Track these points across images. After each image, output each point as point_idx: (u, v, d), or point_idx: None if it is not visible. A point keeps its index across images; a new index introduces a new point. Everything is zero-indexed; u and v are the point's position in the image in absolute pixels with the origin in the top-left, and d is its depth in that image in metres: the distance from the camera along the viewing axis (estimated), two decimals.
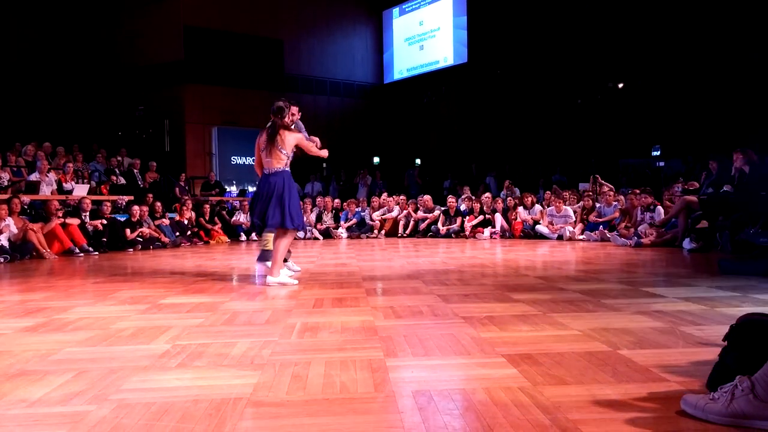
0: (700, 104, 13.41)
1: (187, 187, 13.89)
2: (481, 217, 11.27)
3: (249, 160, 17.02)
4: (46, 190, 10.01)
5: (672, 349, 2.40)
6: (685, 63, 13.70)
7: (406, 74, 20.85)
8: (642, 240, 8.33)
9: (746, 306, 3.32)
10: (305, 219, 12.08)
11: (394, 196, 12.96)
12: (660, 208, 8.90)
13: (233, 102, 17.42)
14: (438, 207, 12.23)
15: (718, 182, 8.29)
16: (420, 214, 12.20)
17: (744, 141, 8.42)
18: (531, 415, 1.67)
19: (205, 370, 2.23)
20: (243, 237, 11.73)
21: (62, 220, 8.57)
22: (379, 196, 13.13)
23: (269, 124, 4.79)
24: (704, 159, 9.88)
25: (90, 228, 9.04)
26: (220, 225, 11.67)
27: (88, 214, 9.25)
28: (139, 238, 9.50)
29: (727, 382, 1.64)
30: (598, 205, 10.17)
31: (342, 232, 12.12)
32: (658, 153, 14.84)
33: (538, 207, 10.95)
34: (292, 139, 4.75)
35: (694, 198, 8.18)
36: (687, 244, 7.65)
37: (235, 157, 17.55)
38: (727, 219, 7.25)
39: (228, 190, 15.21)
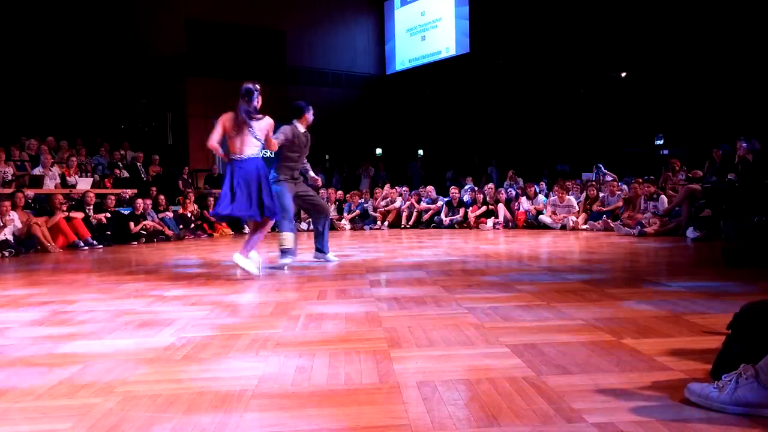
0: (703, 93, 13.34)
1: (190, 180, 13.90)
2: (484, 208, 11.25)
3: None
4: (49, 184, 10.03)
5: (676, 338, 2.40)
6: (688, 51, 13.61)
7: (408, 65, 20.76)
8: (645, 229, 8.32)
9: (750, 294, 3.31)
10: None
11: (396, 188, 12.95)
12: (663, 197, 8.87)
13: (235, 94, 17.33)
14: (441, 198, 12.23)
15: (722, 170, 8.27)
16: (423, 205, 12.19)
17: (747, 129, 8.38)
18: (535, 405, 1.68)
19: (210, 362, 2.24)
20: (246, 229, 11.74)
21: (66, 213, 8.59)
22: (382, 187, 13.13)
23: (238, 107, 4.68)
24: (707, 147, 9.85)
25: (94, 221, 9.06)
26: None
27: (92, 207, 9.27)
28: (143, 231, 9.52)
29: (731, 371, 1.64)
30: (601, 194, 10.15)
31: (345, 223, 12.13)
32: (662, 142, 14.79)
33: (541, 197, 10.93)
34: (264, 125, 4.66)
35: (697, 186, 8.16)
36: (690, 232, 7.63)
37: None
38: (730, 207, 7.22)
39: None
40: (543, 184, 11.45)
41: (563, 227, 10.05)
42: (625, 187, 10.06)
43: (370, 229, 12.02)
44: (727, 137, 8.70)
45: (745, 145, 7.54)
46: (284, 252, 5.37)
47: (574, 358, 2.13)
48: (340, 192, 13.08)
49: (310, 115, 5.53)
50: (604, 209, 9.79)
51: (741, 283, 3.80)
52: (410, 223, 12.05)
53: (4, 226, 7.63)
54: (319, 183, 5.70)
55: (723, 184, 7.53)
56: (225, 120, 4.66)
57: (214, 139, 4.62)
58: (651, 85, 14.54)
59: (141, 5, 17.14)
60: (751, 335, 1.79)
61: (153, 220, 9.87)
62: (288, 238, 5.35)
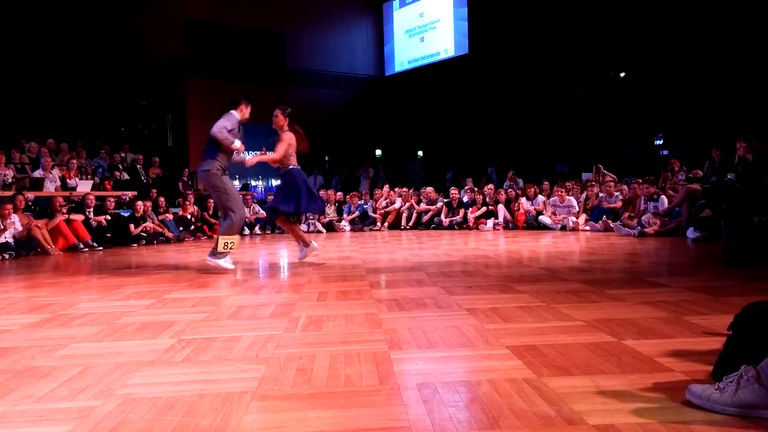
0: (702, 93, 13.35)
1: (190, 182, 13.90)
2: (484, 209, 11.25)
3: (251, 154, 17.03)
4: (50, 187, 10.03)
5: (676, 339, 2.40)
6: (687, 51, 13.63)
7: (407, 66, 20.79)
8: (645, 229, 8.31)
9: (751, 295, 3.31)
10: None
11: (396, 189, 12.95)
12: (663, 198, 8.87)
13: (234, 96, 17.38)
14: (441, 199, 12.22)
15: (722, 170, 8.27)
16: (423, 206, 12.19)
17: (747, 129, 8.38)
18: (536, 407, 1.68)
19: (210, 364, 2.24)
20: (246, 231, 11.74)
21: (66, 216, 8.59)
22: (381, 188, 13.15)
23: (290, 126, 5.74)
24: (707, 147, 9.85)
25: (94, 224, 9.06)
26: None
27: (92, 209, 9.27)
28: (143, 234, 9.52)
29: (732, 372, 1.64)
30: (601, 194, 10.16)
31: (345, 224, 12.13)
32: (661, 142, 14.80)
33: (541, 198, 10.92)
34: None
35: (697, 186, 8.15)
36: (691, 233, 7.63)
37: None
38: (731, 207, 7.22)
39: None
40: (547, 184, 11.42)
41: (563, 228, 10.04)
42: (625, 187, 10.05)
43: (370, 230, 12.01)
44: (727, 137, 8.69)
45: (745, 145, 7.55)
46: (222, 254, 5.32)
47: (575, 360, 2.13)
48: (339, 193, 13.08)
49: (246, 109, 5.57)
50: (604, 204, 9.79)
51: (742, 284, 3.79)
52: (410, 224, 12.05)
53: (5, 228, 7.64)
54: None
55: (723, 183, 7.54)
56: (292, 139, 5.67)
57: (281, 154, 5.63)
58: (650, 86, 14.55)
59: (140, 7, 17.16)
60: (752, 336, 1.78)
61: (153, 223, 9.87)
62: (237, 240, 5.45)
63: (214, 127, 5.30)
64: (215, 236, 6.02)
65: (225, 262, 5.30)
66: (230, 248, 5.31)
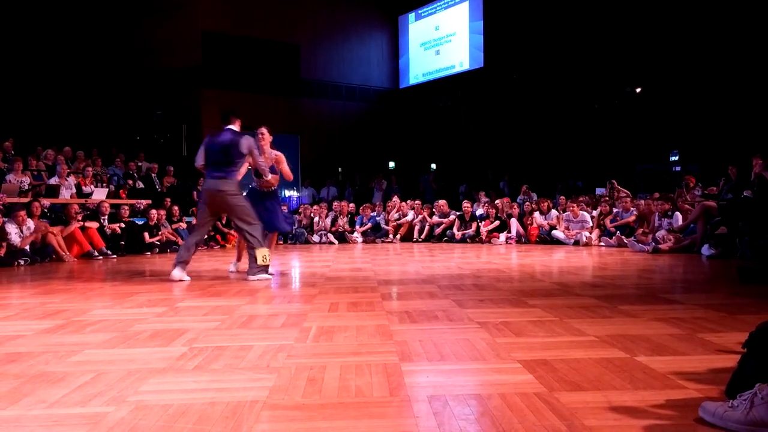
0: (718, 109, 13.26)
1: None
2: (497, 222, 11.22)
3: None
4: (65, 194, 10.13)
5: (690, 356, 2.38)
6: (703, 67, 13.56)
7: (422, 79, 20.86)
8: (660, 246, 8.25)
9: (765, 313, 3.27)
10: (322, 224, 12.15)
11: (408, 201, 12.96)
12: (678, 214, 8.80)
13: (250, 107, 17.54)
14: (453, 212, 12.21)
15: (738, 188, 8.19)
16: (435, 218, 12.18)
17: (764, 146, 8.30)
18: (547, 421, 1.67)
19: (221, 372, 2.25)
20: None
21: (81, 223, 8.68)
22: (390, 199, 13.21)
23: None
24: (723, 164, 9.77)
25: (108, 231, 9.14)
26: None
27: (106, 217, 9.36)
28: (157, 242, 9.59)
29: (747, 390, 1.62)
30: (615, 210, 10.09)
31: (357, 236, 12.14)
32: (677, 158, 14.69)
33: (554, 212, 10.87)
34: None
35: (713, 203, 8.09)
36: (706, 250, 7.55)
37: None
38: (746, 225, 7.15)
39: (244, 194, 15.26)
40: (563, 198, 11.35)
41: (576, 243, 9.98)
42: (642, 201, 9.96)
43: (382, 242, 12.02)
44: (743, 154, 8.62)
45: (761, 162, 7.48)
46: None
47: (587, 375, 2.12)
48: (352, 205, 13.11)
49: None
50: (618, 222, 9.71)
51: (757, 302, 3.75)
52: (422, 236, 12.04)
53: (22, 232, 7.72)
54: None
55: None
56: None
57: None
58: (666, 101, 14.47)
59: (158, 18, 17.39)
60: (766, 354, 1.76)
61: (167, 231, 9.94)
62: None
63: (258, 157, 5.48)
64: (236, 248, 6.25)
65: (266, 273, 5.34)
66: (269, 260, 5.33)
